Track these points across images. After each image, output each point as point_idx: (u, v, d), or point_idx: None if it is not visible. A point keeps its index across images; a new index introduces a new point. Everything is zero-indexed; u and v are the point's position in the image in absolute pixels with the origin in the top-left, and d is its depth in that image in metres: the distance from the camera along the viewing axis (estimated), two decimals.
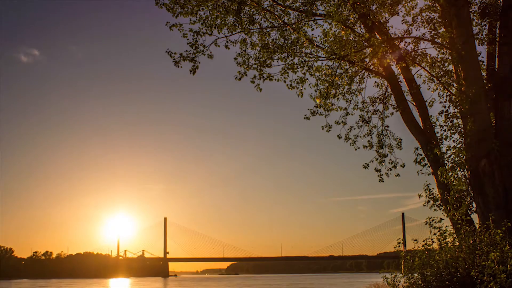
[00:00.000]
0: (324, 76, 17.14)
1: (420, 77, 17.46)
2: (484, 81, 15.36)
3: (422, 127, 16.28)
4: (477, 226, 14.07)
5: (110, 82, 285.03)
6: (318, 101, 17.05)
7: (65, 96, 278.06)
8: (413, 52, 17.43)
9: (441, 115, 16.05)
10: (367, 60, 17.28)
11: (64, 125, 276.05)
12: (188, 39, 16.49)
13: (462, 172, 14.88)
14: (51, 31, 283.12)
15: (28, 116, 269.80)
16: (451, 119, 15.88)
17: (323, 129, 17.66)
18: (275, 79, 17.05)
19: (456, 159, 14.80)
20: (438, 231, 13.57)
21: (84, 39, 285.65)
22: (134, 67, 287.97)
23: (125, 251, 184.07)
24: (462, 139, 15.43)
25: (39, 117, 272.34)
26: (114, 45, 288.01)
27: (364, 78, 18.09)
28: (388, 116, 18.08)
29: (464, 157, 14.69)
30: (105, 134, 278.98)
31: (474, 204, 14.80)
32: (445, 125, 15.88)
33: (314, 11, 16.48)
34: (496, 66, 15.72)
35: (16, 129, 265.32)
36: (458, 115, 15.73)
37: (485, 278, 11.52)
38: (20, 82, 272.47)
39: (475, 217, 14.78)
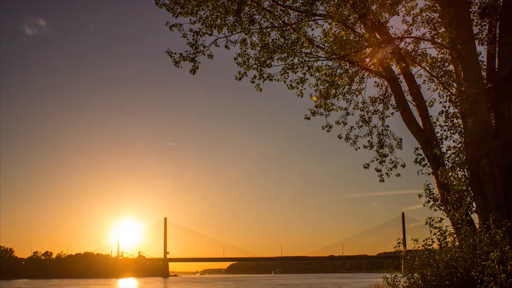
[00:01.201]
0: (324, 76, 17.16)
1: (420, 77, 17.50)
2: (484, 81, 15.37)
3: (422, 127, 16.30)
4: (477, 226, 14.08)
5: (122, 59, 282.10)
6: (314, 99, 17.06)
7: (72, 83, 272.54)
8: (413, 52, 17.45)
9: (441, 115, 16.08)
10: (367, 60, 17.30)
11: (60, 124, 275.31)
12: (188, 39, 16.51)
13: (462, 172, 14.90)
14: None
15: (30, 109, 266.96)
16: (451, 119, 15.90)
17: (323, 129, 17.71)
18: (275, 79, 17.08)
19: (456, 159, 14.82)
20: (438, 231, 13.60)
21: (97, 7, 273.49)
22: (134, 70, 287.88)
23: (123, 252, 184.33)
24: (462, 139, 15.45)
25: (40, 112, 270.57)
26: (128, 11, 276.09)
27: (364, 78, 18.12)
28: (388, 116, 18.11)
29: (464, 157, 14.70)
30: (106, 132, 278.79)
31: (474, 204, 14.81)
32: (445, 125, 15.91)
33: (314, 11, 16.50)
34: (496, 66, 15.73)
35: (17, 123, 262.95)
36: (458, 115, 15.75)
37: (485, 278, 11.53)
38: (24, 59, 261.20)
39: (475, 217, 14.80)
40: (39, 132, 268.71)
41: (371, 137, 18.08)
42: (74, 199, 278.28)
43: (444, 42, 16.19)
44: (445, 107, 16.40)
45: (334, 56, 16.45)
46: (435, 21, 17.03)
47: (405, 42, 17.36)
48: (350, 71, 17.67)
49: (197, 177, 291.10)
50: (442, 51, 17.12)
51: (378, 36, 16.11)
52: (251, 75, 16.95)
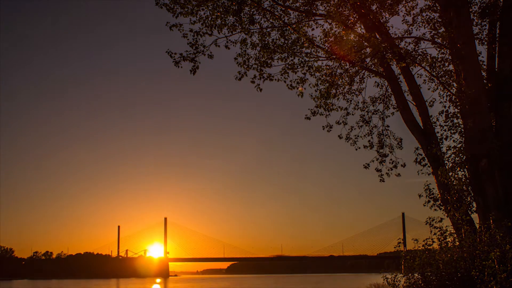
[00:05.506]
0: (324, 76, 17.19)
1: (420, 77, 17.51)
2: (484, 81, 15.37)
3: (422, 127, 16.30)
4: (477, 226, 14.08)
5: (122, 58, 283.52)
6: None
7: (73, 82, 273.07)
8: (413, 52, 17.46)
9: (441, 115, 16.10)
10: (367, 60, 17.32)
11: (60, 124, 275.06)
12: (188, 39, 16.51)
13: (462, 172, 14.90)
14: None
15: (30, 108, 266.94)
16: (451, 119, 15.90)
17: (323, 129, 17.76)
18: (275, 79, 17.09)
19: (456, 159, 14.83)
20: (439, 231, 13.60)
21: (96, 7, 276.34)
22: (134, 66, 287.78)
23: (126, 251, 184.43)
24: (462, 139, 15.45)
25: (41, 111, 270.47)
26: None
27: (364, 78, 18.14)
28: (389, 116, 18.14)
29: (464, 157, 14.70)
30: (106, 133, 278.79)
31: (474, 204, 14.81)
32: (445, 125, 15.92)
33: (314, 11, 16.52)
34: (496, 66, 15.72)
35: (17, 123, 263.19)
36: (458, 115, 15.75)
37: (485, 278, 11.53)
38: (25, 57, 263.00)
39: (475, 217, 14.80)
40: (39, 132, 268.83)
41: (371, 137, 18.12)
42: (74, 199, 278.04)
43: (444, 42, 16.19)
44: (445, 107, 16.42)
45: (334, 56, 16.46)
46: (435, 21, 17.05)
47: (405, 42, 17.39)
48: (350, 71, 17.69)
49: (197, 177, 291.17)
50: (442, 51, 17.13)
51: (378, 36, 16.11)
52: (251, 75, 16.98)
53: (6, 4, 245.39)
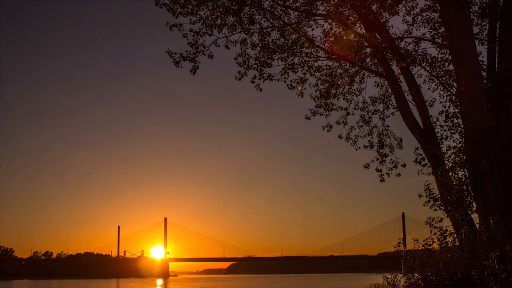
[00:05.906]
0: (324, 76, 17.21)
1: (420, 77, 17.53)
2: (484, 81, 15.37)
3: (422, 127, 16.30)
4: (477, 226, 14.08)
5: (123, 57, 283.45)
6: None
7: (73, 81, 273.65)
8: (413, 52, 17.47)
9: (441, 115, 16.11)
10: (367, 60, 17.33)
11: (60, 125, 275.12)
12: (188, 39, 16.52)
13: (462, 172, 14.90)
14: None
15: (30, 108, 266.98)
16: (451, 119, 15.91)
17: (323, 129, 17.78)
18: (275, 79, 17.10)
19: (456, 159, 14.83)
20: (439, 231, 13.60)
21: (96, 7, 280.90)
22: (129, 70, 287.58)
23: (125, 251, 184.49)
24: (462, 139, 15.46)
25: (40, 111, 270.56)
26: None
27: (364, 78, 18.15)
28: (389, 116, 18.15)
29: (464, 157, 14.70)
30: (106, 133, 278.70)
31: (474, 204, 14.82)
32: (445, 125, 15.92)
33: (314, 11, 16.53)
34: (496, 66, 15.72)
35: (17, 123, 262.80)
36: (458, 115, 15.76)
37: (485, 278, 11.54)
38: (27, 57, 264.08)
39: (475, 217, 14.81)
40: (41, 134, 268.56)
41: (372, 137, 18.12)
42: (75, 199, 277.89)
43: (444, 42, 16.19)
44: (445, 107, 16.43)
45: (334, 56, 16.48)
46: (435, 21, 17.06)
47: (405, 42, 17.41)
48: (350, 71, 17.70)
49: (197, 177, 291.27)
50: (442, 51, 17.13)
51: (378, 36, 16.12)
52: (251, 75, 16.99)
53: (7, 4, 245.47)
